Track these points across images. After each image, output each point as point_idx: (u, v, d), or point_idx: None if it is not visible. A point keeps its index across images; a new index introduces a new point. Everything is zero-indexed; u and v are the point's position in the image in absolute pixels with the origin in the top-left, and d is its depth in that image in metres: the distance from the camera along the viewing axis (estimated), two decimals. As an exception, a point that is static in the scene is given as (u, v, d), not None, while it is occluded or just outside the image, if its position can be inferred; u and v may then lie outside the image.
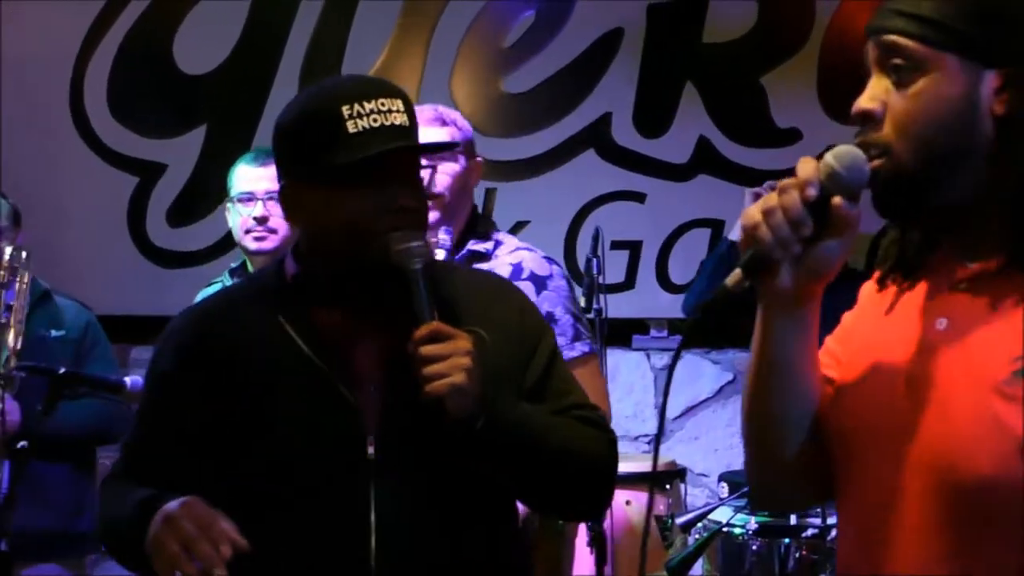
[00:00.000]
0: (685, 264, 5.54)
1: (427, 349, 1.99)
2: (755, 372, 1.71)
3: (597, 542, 3.70)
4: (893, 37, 1.60)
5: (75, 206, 5.61)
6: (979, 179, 1.58)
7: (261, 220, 3.88)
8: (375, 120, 2.09)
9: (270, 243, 3.90)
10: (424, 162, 3.35)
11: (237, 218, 3.97)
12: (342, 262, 2.13)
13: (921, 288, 1.68)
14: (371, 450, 2.08)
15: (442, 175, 3.36)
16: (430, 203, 3.32)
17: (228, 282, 3.96)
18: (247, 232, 3.94)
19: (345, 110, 2.09)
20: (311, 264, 2.20)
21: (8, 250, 4.12)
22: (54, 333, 4.19)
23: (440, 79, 5.55)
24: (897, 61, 1.60)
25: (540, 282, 3.40)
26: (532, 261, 3.42)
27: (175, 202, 5.66)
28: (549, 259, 3.49)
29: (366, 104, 2.09)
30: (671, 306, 5.55)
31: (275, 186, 2.29)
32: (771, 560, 4.04)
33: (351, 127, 2.08)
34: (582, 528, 3.77)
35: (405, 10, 5.59)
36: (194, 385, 2.18)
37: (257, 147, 4.57)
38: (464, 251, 3.42)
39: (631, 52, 5.53)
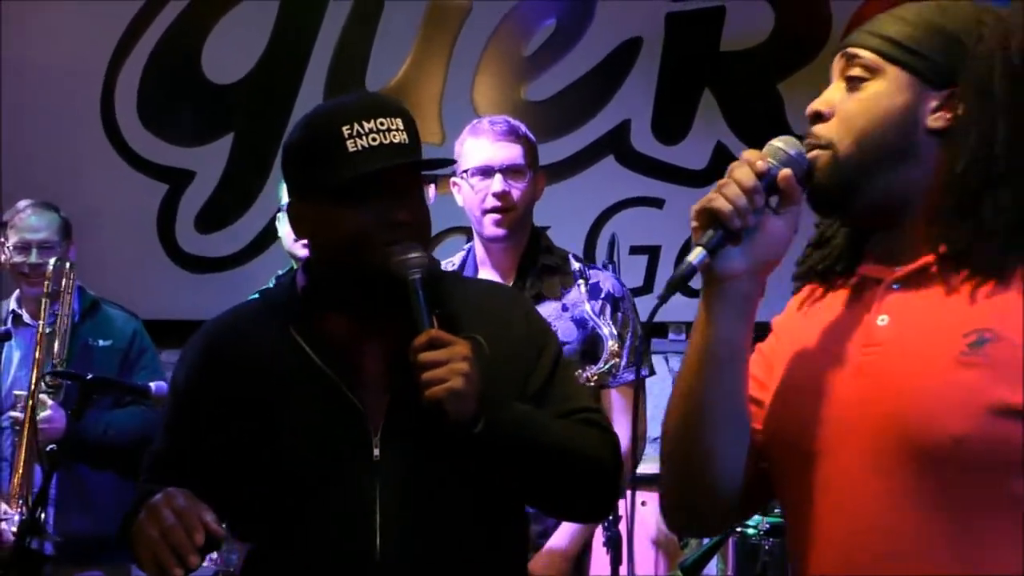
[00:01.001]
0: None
1: (425, 356, 2.07)
2: (696, 365, 1.76)
3: (613, 543, 3.77)
4: (854, 49, 1.76)
5: (106, 213, 5.71)
6: (909, 185, 1.72)
7: None
8: (374, 139, 2.17)
9: None
10: (500, 176, 3.46)
11: (286, 227, 4.05)
12: (346, 273, 2.21)
13: (842, 295, 1.80)
14: (376, 451, 2.16)
15: (515, 189, 3.46)
16: (504, 216, 3.46)
17: None
18: (296, 240, 4.02)
19: (345, 130, 2.17)
20: (319, 276, 2.29)
21: (52, 261, 4.25)
22: (101, 343, 4.30)
23: (462, 87, 5.65)
24: (853, 71, 1.75)
25: (616, 303, 3.51)
26: (608, 282, 3.55)
27: (203, 209, 5.76)
28: (619, 280, 3.61)
29: (365, 124, 2.17)
30: (689, 309, 5.56)
31: None
32: (784, 559, 4.09)
33: (351, 146, 2.16)
34: (599, 529, 3.83)
35: (428, 19, 5.69)
36: (208, 398, 2.28)
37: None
38: (538, 267, 3.53)
39: (650, 60, 5.61)
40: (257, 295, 3.73)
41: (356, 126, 2.17)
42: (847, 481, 1.68)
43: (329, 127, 2.19)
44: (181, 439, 2.32)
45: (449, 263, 3.64)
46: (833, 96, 1.76)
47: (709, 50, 5.62)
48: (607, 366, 3.44)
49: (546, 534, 3.44)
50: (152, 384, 3.81)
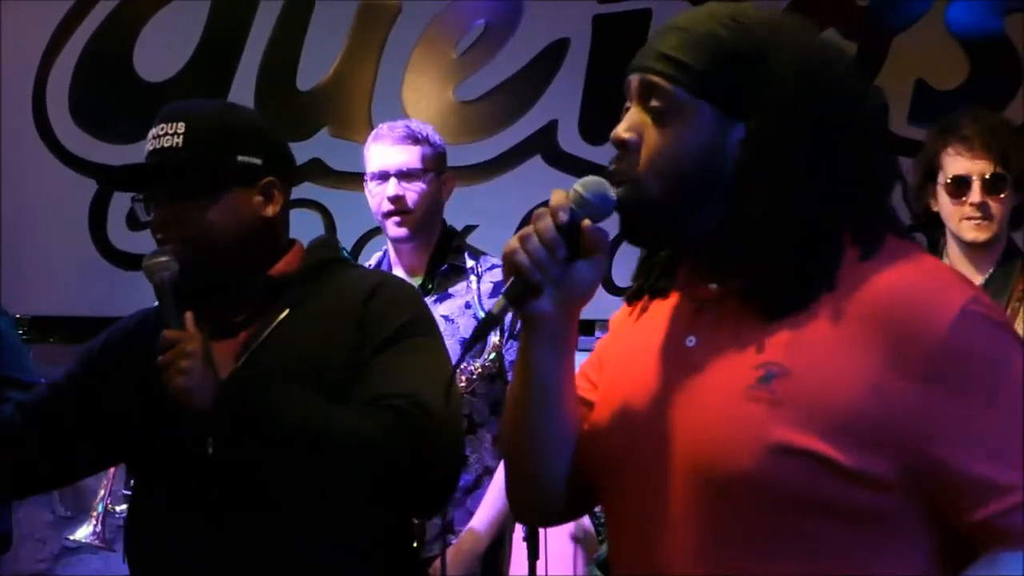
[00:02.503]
0: (628, 268, 5.60)
1: (161, 359, 2.18)
2: (518, 399, 1.80)
3: (531, 538, 3.84)
4: (655, 78, 1.72)
5: (37, 210, 5.71)
6: (721, 213, 1.70)
7: None
8: (152, 145, 2.33)
9: None
10: (394, 180, 3.53)
11: None
12: None
13: (668, 307, 1.80)
14: (211, 448, 2.22)
15: (411, 192, 3.53)
16: (402, 219, 3.53)
17: None
18: None
19: (149, 134, 2.35)
20: None
21: None
22: None
23: (392, 87, 5.69)
24: (655, 102, 1.72)
25: None
26: None
27: (135, 206, 5.74)
28: None
29: (153, 130, 2.34)
30: (614, 308, 5.67)
31: None
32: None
33: (145, 150, 2.35)
34: (518, 525, 3.90)
35: (358, 19, 5.71)
36: (103, 371, 2.44)
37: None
38: (444, 267, 3.59)
39: (577, 61, 5.67)
40: None
41: (152, 130, 2.36)
42: (645, 503, 1.69)
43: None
44: (67, 381, 2.49)
45: (367, 264, 3.72)
46: (636, 123, 1.73)
47: (635, 52, 5.65)
48: (490, 358, 3.51)
49: (451, 528, 3.51)
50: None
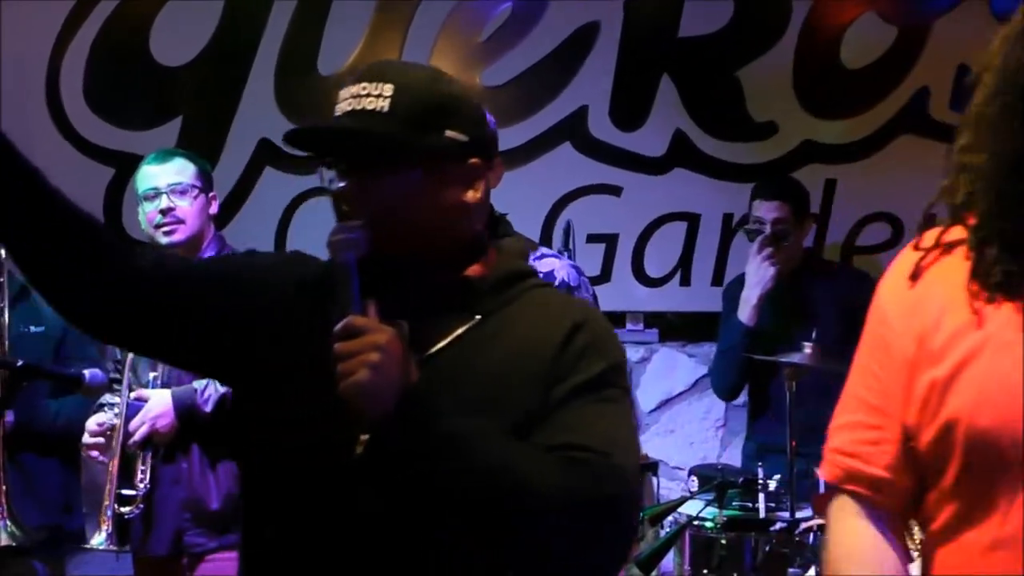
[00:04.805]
0: (661, 257, 5.57)
1: (338, 347, 1.89)
2: None
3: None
4: None
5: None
6: None
7: None
8: (349, 104, 2.06)
9: None
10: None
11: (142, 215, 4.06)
12: None
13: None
14: (360, 448, 1.95)
15: None
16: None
17: None
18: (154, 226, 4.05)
19: (342, 93, 2.08)
20: None
21: None
22: (33, 329, 4.18)
23: (416, 72, 5.55)
24: None
25: (569, 292, 3.45)
26: (563, 270, 3.50)
27: (151, 193, 5.64)
28: (576, 268, 3.54)
29: (353, 88, 2.06)
30: (647, 299, 5.59)
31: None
32: (741, 553, 4.05)
33: (336, 110, 2.08)
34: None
35: (381, 4, 5.59)
36: (257, 288, 2.16)
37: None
38: None
39: (608, 45, 5.54)
40: None
41: (347, 89, 2.08)
42: None
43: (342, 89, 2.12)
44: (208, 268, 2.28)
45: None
46: None
47: (668, 36, 5.55)
48: None
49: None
50: (86, 372, 3.69)
